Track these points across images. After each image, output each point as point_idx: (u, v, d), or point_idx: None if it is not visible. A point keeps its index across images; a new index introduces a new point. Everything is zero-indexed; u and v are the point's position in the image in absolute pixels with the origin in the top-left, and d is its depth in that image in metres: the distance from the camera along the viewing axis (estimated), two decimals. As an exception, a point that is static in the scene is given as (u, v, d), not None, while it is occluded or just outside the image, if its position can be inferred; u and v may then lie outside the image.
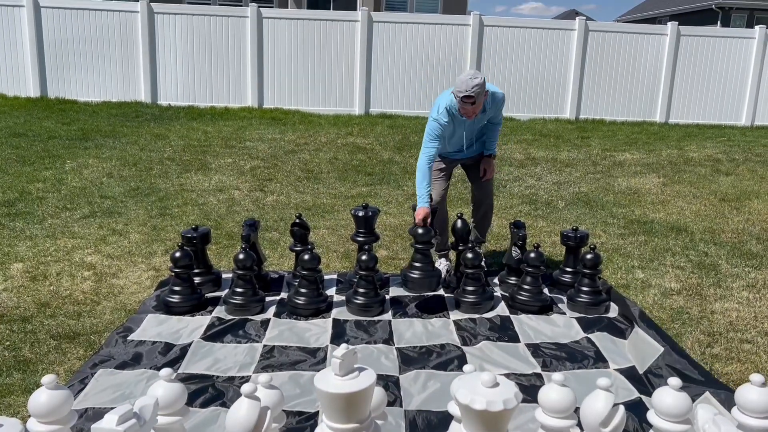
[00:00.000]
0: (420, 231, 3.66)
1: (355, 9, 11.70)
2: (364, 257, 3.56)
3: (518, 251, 3.94)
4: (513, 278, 3.96)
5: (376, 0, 19.36)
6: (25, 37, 10.95)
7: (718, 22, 24.09)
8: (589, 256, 3.67)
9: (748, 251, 4.95)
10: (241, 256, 3.51)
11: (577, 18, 11.90)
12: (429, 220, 3.74)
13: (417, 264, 3.63)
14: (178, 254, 3.50)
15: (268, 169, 7.21)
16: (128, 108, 10.73)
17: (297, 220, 3.87)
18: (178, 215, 5.38)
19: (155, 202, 5.74)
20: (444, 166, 4.14)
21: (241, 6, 12.14)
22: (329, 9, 17.44)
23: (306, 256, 3.52)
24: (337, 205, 5.96)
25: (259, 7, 11.27)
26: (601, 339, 3.23)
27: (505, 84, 11.58)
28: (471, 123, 3.91)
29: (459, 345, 3.17)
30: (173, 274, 3.52)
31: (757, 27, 11.91)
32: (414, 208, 3.86)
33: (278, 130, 9.67)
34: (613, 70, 11.93)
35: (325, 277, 4.04)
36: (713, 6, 24.32)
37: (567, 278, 3.98)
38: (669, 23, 11.85)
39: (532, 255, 3.65)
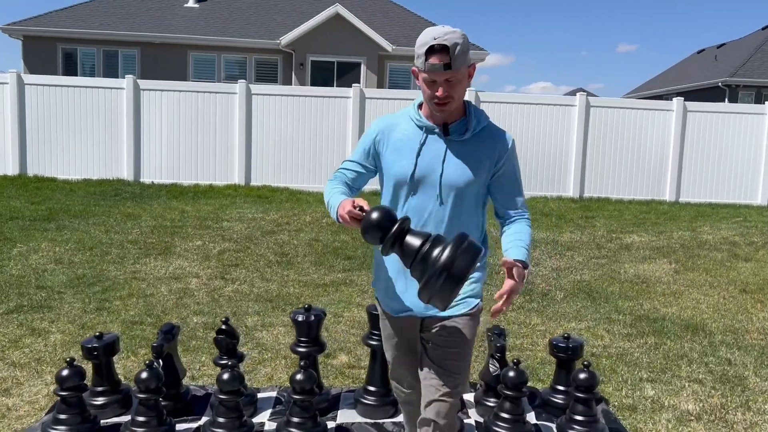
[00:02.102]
0: (374, 215, 1.90)
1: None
2: (299, 377, 2.85)
3: (496, 366, 3.20)
4: (492, 399, 3.21)
5: (379, 78, 19.30)
6: (7, 115, 10.65)
7: (726, 100, 23.84)
8: (582, 376, 2.92)
9: (780, 358, 4.17)
10: (143, 375, 2.80)
11: (578, 94, 11.49)
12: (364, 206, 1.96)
13: (371, 388, 2.91)
14: (65, 372, 2.80)
15: (238, 253, 6.57)
16: (108, 186, 10.26)
17: (223, 326, 3.17)
18: (117, 309, 4.71)
19: (97, 293, 5.08)
20: (394, 328, 2.33)
21: (229, 83, 11.88)
22: (332, 86, 17.29)
23: (225, 376, 2.81)
24: (304, 295, 5.27)
25: (248, 84, 10.98)
26: (597, 497, 2.45)
27: (505, 161, 11.03)
28: (450, 153, 2.13)
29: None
30: (59, 397, 2.81)
31: (767, 103, 11.43)
32: (369, 310, 3.21)
33: (262, 208, 9.12)
34: (618, 147, 11.40)
35: (261, 395, 3.31)
36: (720, 84, 24.12)
37: (558, 399, 3.22)
38: (675, 99, 11.40)
39: (511, 374, 2.91)
